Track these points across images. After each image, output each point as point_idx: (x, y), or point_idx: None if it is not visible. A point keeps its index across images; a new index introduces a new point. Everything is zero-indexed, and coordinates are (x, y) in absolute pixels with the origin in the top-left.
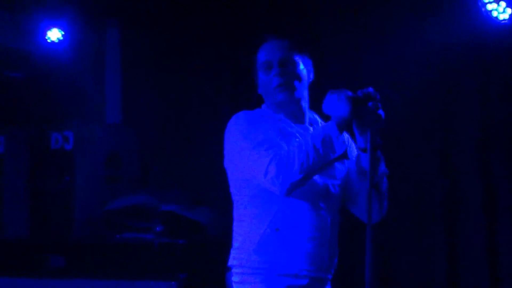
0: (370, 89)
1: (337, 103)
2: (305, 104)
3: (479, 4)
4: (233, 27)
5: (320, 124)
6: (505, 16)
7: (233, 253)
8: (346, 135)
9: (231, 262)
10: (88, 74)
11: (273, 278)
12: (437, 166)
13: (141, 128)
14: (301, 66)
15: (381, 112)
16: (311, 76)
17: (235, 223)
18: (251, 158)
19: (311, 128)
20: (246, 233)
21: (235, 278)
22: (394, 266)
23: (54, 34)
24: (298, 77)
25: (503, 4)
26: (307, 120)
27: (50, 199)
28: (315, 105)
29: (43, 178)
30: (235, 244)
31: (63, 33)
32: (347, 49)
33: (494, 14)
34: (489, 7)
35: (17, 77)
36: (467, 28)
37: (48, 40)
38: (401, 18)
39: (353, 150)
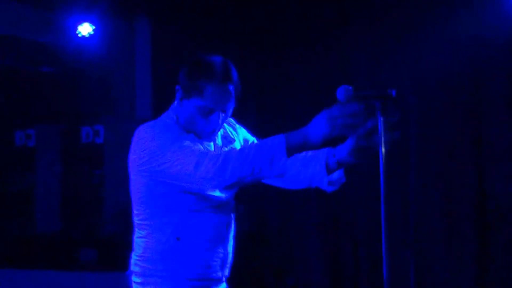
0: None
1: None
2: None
3: None
4: (262, 22)
5: (230, 132)
6: None
7: (135, 259)
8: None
9: (133, 268)
10: (118, 68)
11: (174, 281)
12: (469, 167)
13: None
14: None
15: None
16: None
17: (137, 231)
18: (176, 156)
19: (219, 142)
20: (148, 242)
21: (136, 279)
22: (425, 268)
23: (85, 29)
24: (227, 118)
25: None
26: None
27: (81, 193)
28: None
29: (74, 172)
30: (138, 251)
31: (94, 27)
32: (380, 43)
33: None
34: None
35: (48, 72)
36: (497, 20)
37: (79, 35)
38: (433, 11)
39: (240, 135)
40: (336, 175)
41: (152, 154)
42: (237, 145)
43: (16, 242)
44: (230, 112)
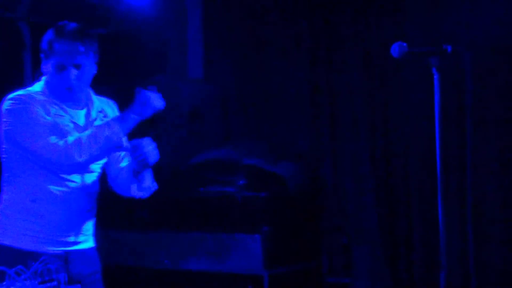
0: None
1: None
2: (86, 91)
3: None
4: None
5: (95, 106)
6: None
7: None
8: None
9: None
10: (170, 29)
11: (28, 240)
12: None
13: (222, 83)
14: (91, 62)
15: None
16: (96, 61)
17: (1, 189)
18: (36, 137)
19: (93, 115)
20: (8, 199)
21: None
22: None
23: None
24: (88, 76)
25: None
26: (88, 105)
27: None
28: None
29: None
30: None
31: None
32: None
33: None
34: None
35: (100, 33)
36: None
37: None
38: None
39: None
40: (146, 182)
41: (16, 128)
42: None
43: None
44: (86, 71)
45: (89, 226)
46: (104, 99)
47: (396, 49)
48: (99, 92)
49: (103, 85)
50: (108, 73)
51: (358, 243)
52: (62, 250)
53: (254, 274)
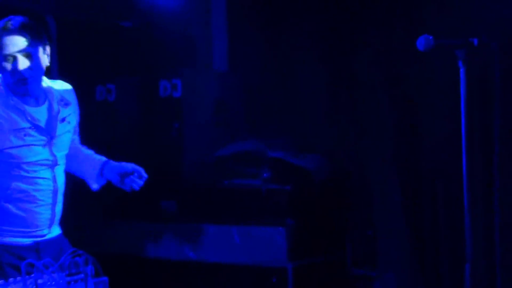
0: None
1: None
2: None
3: None
4: None
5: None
6: None
7: None
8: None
9: None
10: (194, 21)
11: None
12: None
13: (247, 75)
14: (40, 53)
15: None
16: (48, 53)
17: None
18: None
19: (56, 108)
20: None
21: None
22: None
23: None
24: (40, 67)
25: None
26: (49, 97)
27: (160, 146)
28: None
29: (153, 126)
30: None
31: None
32: None
33: None
34: None
35: (125, 26)
36: None
37: None
38: None
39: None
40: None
41: None
42: (74, 108)
43: (96, 194)
44: (37, 62)
45: (58, 216)
46: (59, 84)
47: (422, 42)
48: (124, 86)
49: (128, 77)
50: (134, 66)
51: (383, 235)
52: (33, 241)
53: (278, 267)
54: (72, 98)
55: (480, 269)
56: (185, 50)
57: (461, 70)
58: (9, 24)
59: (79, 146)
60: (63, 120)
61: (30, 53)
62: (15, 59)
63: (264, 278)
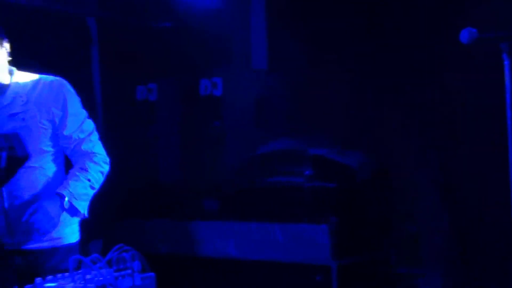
0: None
1: None
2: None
3: None
4: None
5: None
6: None
7: None
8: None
9: None
10: (234, 21)
11: None
12: None
13: (287, 73)
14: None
15: None
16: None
17: None
18: None
19: (8, 101)
20: None
21: None
22: None
23: None
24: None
25: None
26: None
27: (201, 145)
28: None
29: (193, 124)
30: None
31: None
32: None
33: None
34: None
35: (166, 26)
36: None
37: None
38: None
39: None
40: None
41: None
42: (31, 106)
43: (140, 193)
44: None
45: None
46: (36, 82)
47: (466, 35)
48: (165, 85)
49: (169, 77)
50: (175, 66)
51: (427, 233)
52: None
53: (322, 265)
54: (49, 101)
55: None
56: (224, 49)
57: (505, 63)
58: None
59: (76, 159)
60: (13, 115)
61: None
62: None
63: (307, 276)
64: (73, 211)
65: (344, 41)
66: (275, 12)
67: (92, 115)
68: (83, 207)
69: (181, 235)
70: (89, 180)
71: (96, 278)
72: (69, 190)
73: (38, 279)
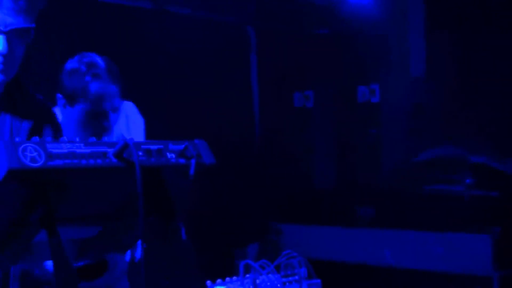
0: None
1: None
2: None
3: None
4: None
5: None
6: None
7: None
8: None
9: None
10: (391, 28)
11: None
12: None
13: (445, 81)
14: None
15: None
16: None
17: None
18: None
19: None
20: None
21: None
22: None
23: None
24: None
25: None
26: None
27: (357, 152)
28: None
29: (350, 131)
30: None
31: None
32: None
33: None
34: None
35: (323, 33)
36: None
37: None
38: None
39: None
40: None
41: None
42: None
43: (295, 198)
44: None
45: None
46: None
47: None
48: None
49: (326, 84)
50: (332, 73)
51: None
52: None
53: (483, 276)
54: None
55: None
56: (382, 56)
57: None
58: None
59: None
60: None
61: None
62: None
63: (467, 287)
64: None
65: (503, 48)
66: (433, 19)
67: (249, 122)
68: None
69: (337, 241)
70: None
71: (264, 283)
72: None
73: (208, 282)
